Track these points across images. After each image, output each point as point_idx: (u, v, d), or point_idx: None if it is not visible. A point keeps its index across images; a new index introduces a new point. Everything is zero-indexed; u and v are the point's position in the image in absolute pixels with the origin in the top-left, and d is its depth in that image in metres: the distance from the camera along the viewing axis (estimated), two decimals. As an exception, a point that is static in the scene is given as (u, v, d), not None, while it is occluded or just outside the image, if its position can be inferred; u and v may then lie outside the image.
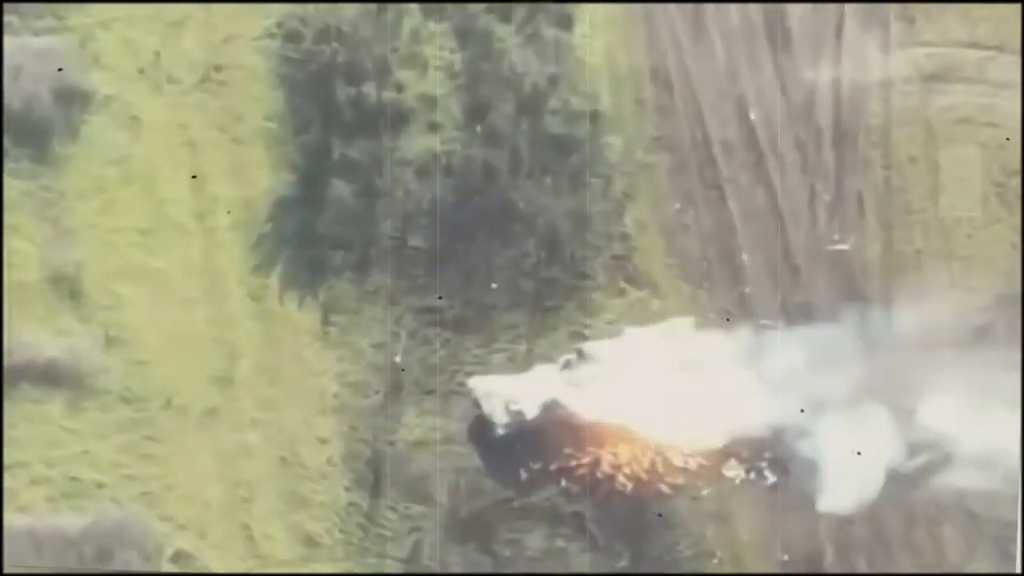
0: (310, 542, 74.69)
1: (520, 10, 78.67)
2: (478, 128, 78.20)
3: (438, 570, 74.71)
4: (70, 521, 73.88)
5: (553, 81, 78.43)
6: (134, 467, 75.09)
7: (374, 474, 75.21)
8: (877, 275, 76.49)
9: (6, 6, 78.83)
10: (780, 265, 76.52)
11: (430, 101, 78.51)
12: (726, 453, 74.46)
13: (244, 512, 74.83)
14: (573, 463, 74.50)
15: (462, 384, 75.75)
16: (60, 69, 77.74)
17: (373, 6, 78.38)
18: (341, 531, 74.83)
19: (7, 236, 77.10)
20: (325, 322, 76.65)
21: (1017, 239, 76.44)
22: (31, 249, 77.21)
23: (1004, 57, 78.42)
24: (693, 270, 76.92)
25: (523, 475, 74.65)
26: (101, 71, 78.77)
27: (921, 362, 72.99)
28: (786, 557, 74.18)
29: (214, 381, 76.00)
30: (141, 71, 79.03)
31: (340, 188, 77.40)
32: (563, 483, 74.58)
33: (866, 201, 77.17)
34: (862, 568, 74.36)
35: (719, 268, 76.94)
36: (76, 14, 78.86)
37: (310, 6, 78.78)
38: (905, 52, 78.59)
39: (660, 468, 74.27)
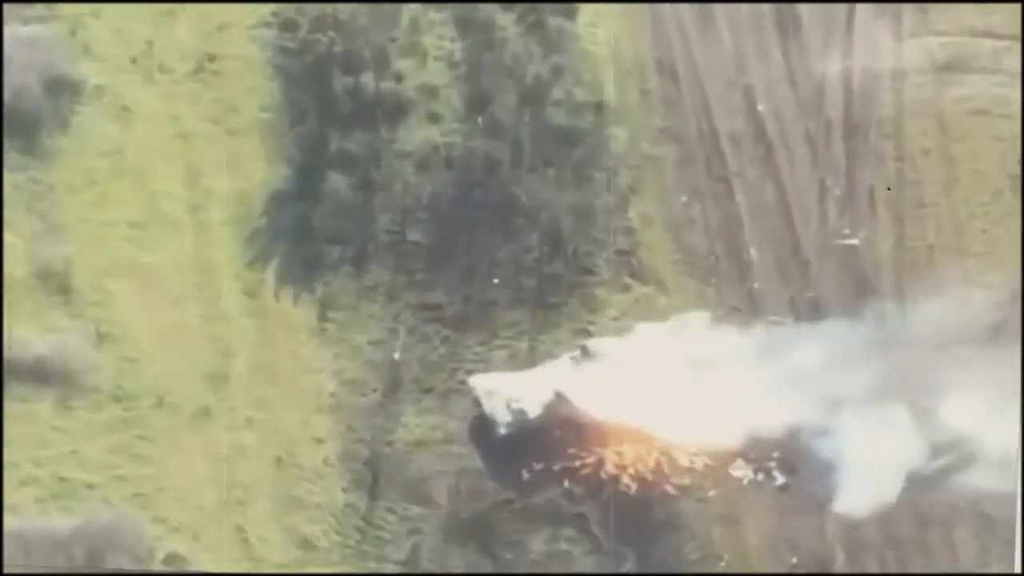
0: (306, 545, 73.93)
1: (522, -2, 79.22)
2: (479, 120, 78.22)
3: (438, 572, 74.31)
4: (59, 523, 73.07)
5: (556, 71, 78.70)
6: (125, 467, 74.39)
7: (372, 475, 74.60)
8: (889, 271, 76.37)
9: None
10: (789, 261, 76.38)
11: (430, 92, 78.71)
12: (733, 453, 74.03)
13: (239, 514, 74.14)
14: (577, 463, 74.04)
15: (462, 382, 75.39)
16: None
17: (372, -5, 79.06)
18: (338, 533, 74.09)
19: (-5, 230, 77.54)
20: (322, 318, 76.29)
21: (1032, 233, 76.67)
22: (19, 243, 76.70)
23: (1020, 47, 78.46)
24: (700, 265, 76.84)
25: (525, 476, 74.11)
26: (92, 60, 78.88)
27: (933, 360, 72.45)
28: (795, 560, 73.48)
29: (207, 379, 75.45)
30: (133, 60, 79.21)
31: (337, 181, 77.36)
32: (566, 484, 74.05)
33: (878, 195, 77.19)
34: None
35: (727, 263, 76.75)
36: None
37: (307, -5, 79.41)
38: (918, 41, 78.94)
39: (666, 468, 73.91)
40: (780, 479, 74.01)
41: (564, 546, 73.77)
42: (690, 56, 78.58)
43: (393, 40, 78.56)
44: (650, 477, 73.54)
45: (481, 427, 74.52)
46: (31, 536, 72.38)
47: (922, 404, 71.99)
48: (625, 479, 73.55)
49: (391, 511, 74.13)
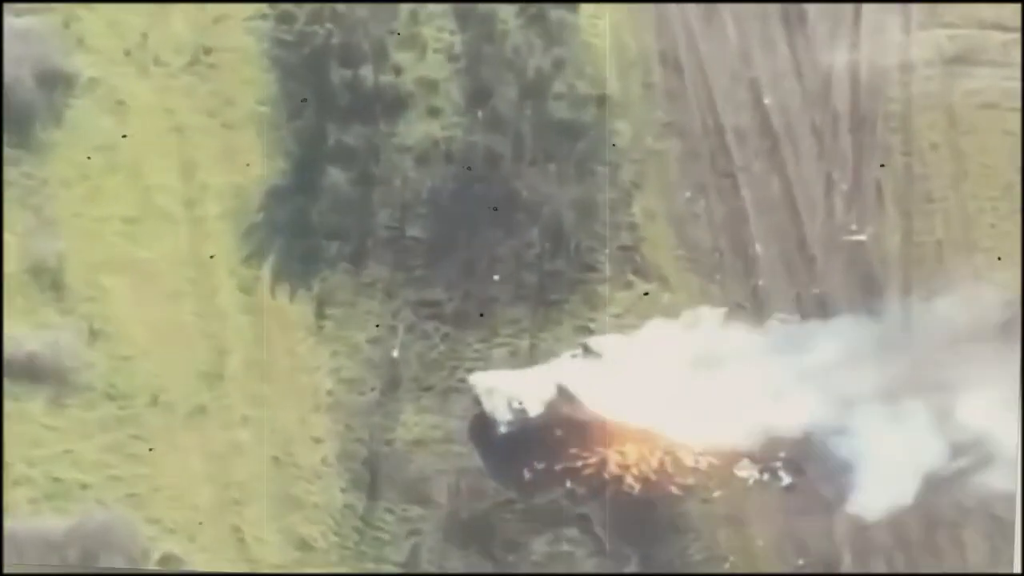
0: (304, 546, 73.78)
1: (523, -11, 79.16)
2: (480, 113, 77.94)
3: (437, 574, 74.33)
4: (53, 523, 73.05)
5: (558, 64, 78.30)
6: (119, 467, 74.23)
7: (371, 475, 74.44)
8: (896, 267, 75.98)
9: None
10: (795, 256, 76.06)
11: (429, 85, 78.30)
12: (739, 453, 73.67)
13: (235, 514, 73.99)
14: (579, 463, 73.81)
15: (462, 380, 75.14)
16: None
17: (370, -15, 78.94)
18: (336, 534, 73.96)
19: (-14, 226, 77.25)
20: (319, 316, 76.01)
21: (1043, 230, 76.48)
22: (12, 239, 76.28)
23: (1020, 42, 77.67)
24: (704, 262, 76.51)
25: (526, 476, 73.92)
26: (85, 53, 78.47)
27: (943, 359, 72.08)
28: (801, 561, 73.32)
29: (203, 377, 75.20)
30: (127, 53, 78.78)
31: (335, 176, 77.14)
32: (568, 484, 73.84)
33: (885, 189, 76.79)
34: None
35: (731, 260, 76.40)
36: (59, -7, 79.15)
37: (304, -15, 79.29)
38: (926, 34, 78.28)
39: (670, 468, 73.69)
40: (786, 479, 73.72)
41: (566, 547, 73.59)
42: (694, 48, 78.17)
43: (392, 32, 78.23)
44: (654, 477, 73.35)
45: (481, 426, 74.26)
46: (24, 537, 72.31)
47: (938, 403, 71.57)
48: (628, 479, 73.36)
49: (390, 511, 73.97)
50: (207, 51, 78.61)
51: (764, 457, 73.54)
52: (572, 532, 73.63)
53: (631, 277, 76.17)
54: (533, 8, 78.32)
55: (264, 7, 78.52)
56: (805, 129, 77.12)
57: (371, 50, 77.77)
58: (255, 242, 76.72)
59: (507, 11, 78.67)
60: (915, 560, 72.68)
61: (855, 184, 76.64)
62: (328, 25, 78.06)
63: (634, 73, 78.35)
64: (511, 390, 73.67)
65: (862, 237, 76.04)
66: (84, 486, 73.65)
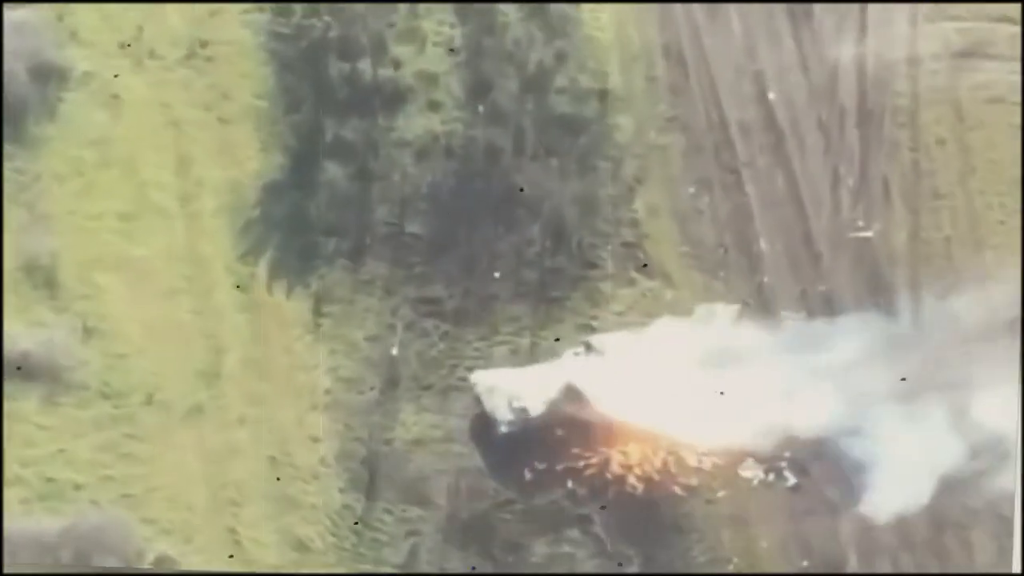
0: (301, 547, 73.35)
1: (524, -19, 79.30)
2: (480, 108, 77.96)
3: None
4: (46, 524, 72.39)
5: (559, 57, 78.40)
6: (114, 467, 73.83)
7: (369, 475, 74.08)
8: (904, 264, 75.91)
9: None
10: (801, 253, 76.01)
11: (429, 78, 78.45)
12: (743, 452, 73.39)
13: (231, 515, 73.53)
14: (581, 463, 73.52)
15: (462, 379, 74.94)
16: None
17: (368, -23, 79.06)
18: (334, 535, 73.54)
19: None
20: (317, 313, 75.84)
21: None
22: (5, 235, 75.89)
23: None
24: (708, 258, 76.44)
25: (527, 476, 73.60)
26: (79, 46, 78.66)
27: (952, 357, 71.99)
28: (806, 563, 72.85)
29: (199, 375, 74.92)
30: (122, 46, 78.91)
31: (333, 171, 77.22)
32: (570, 484, 73.51)
33: (892, 185, 76.84)
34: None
35: (736, 256, 76.35)
36: (54, -16, 79.24)
37: (301, -23, 79.42)
38: (933, 27, 78.57)
39: (673, 468, 73.42)
40: (791, 479, 73.48)
41: (567, 549, 73.30)
42: (698, 42, 78.36)
43: (391, 25, 78.44)
44: (657, 477, 73.13)
45: (482, 425, 74.10)
46: (17, 538, 71.62)
47: (952, 402, 71.39)
48: (631, 480, 73.12)
49: (389, 512, 73.63)
50: (203, 44, 78.74)
51: (769, 457, 73.27)
52: (573, 533, 73.33)
53: (634, 274, 76.12)
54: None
55: (261, -2, 78.97)
56: (811, 124, 77.24)
57: (370, 43, 77.84)
58: (252, 238, 76.65)
59: (508, 3, 78.97)
60: (922, 562, 72.43)
61: (861, 180, 76.65)
62: (326, 18, 78.20)
63: (637, 67, 78.50)
64: (512, 389, 73.47)
65: (869, 233, 75.97)
66: (78, 486, 73.28)
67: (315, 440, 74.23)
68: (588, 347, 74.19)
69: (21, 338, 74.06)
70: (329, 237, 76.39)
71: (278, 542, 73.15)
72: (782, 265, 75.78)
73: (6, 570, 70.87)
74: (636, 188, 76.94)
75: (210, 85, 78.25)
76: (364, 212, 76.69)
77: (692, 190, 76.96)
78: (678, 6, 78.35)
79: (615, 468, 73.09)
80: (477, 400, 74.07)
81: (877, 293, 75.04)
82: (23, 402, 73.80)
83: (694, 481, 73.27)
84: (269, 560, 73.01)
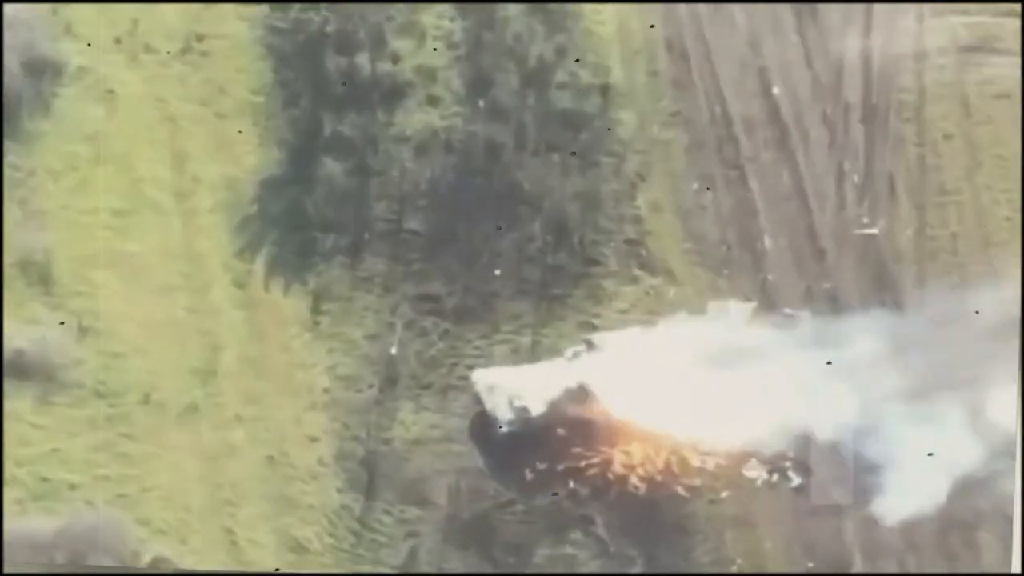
0: (298, 548, 73.32)
1: (525, -25, 79.45)
2: (480, 103, 77.88)
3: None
4: (40, 524, 72.33)
5: (560, 52, 78.27)
6: (109, 467, 73.68)
7: (368, 475, 73.97)
8: (909, 261, 75.82)
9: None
10: (805, 250, 75.89)
11: (428, 73, 78.32)
12: (747, 453, 73.30)
13: (228, 516, 73.50)
14: (582, 463, 73.41)
15: (462, 378, 74.86)
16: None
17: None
18: (332, 536, 73.47)
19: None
20: (315, 311, 75.78)
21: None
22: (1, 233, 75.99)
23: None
24: (712, 255, 76.37)
25: (528, 476, 73.55)
26: (74, 40, 78.53)
27: (951, 357, 71.51)
28: (811, 564, 72.72)
29: (195, 374, 74.85)
30: (117, 40, 78.79)
31: (331, 167, 77.11)
32: (571, 484, 73.39)
33: (898, 181, 76.72)
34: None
35: (740, 253, 76.26)
36: (48, -22, 79.18)
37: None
38: (940, 21, 78.43)
39: (676, 469, 73.32)
40: (795, 480, 73.38)
41: (569, 549, 73.31)
42: (701, 36, 78.32)
43: (390, 19, 78.38)
44: (660, 478, 73.09)
45: (482, 425, 74.09)
46: (11, 539, 71.51)
47: (965, 402, 71.30)
48: (633, 480, 73.07)
49: (388, 512, 73.59)
50: (199, 38, 78.72)
51: (772, 457, 73.14)
52: (575, 534, 73.28)
53: (637, 271, 76.08)
54: (535, -5, 78.78)
55: (259, -8, 79.06)
56: (816, 119, 77.20)
57: (368, 37, 77.77)
58: (249, 235, 76.61)
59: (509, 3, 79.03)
60: (927, 563, 72.46)
61: (867, 176, 76.63)
62: (323, 12, 78.12)
63: (639, 61, 78.47)
64: (512, 388, 73.39)
65: (874, 230, 75.92)
66: (73, 486, 73.20)
67: (313, 439, 74.20)
68: (590, 345, 74.09)
69: (15, 336, 74.00)
70: (327, 234, 76.32)
71: (275, 543, 73.15)
72: (786, 262, 75.71)
73: (5, 570, 70.90)
74: (639, 184, 76.95)
75: (206, 80, 78.27)
76: (362, 208, 76.63)
77: (695, 186, 76.92)
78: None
79: (617, 468, 73.02)
80: (477, 399, 74.00)
81: (883, 290, 74.99)
82: (18, 401, 73.67)
83: (697, 481, 73.20)
84: (266, 561, 72.94)
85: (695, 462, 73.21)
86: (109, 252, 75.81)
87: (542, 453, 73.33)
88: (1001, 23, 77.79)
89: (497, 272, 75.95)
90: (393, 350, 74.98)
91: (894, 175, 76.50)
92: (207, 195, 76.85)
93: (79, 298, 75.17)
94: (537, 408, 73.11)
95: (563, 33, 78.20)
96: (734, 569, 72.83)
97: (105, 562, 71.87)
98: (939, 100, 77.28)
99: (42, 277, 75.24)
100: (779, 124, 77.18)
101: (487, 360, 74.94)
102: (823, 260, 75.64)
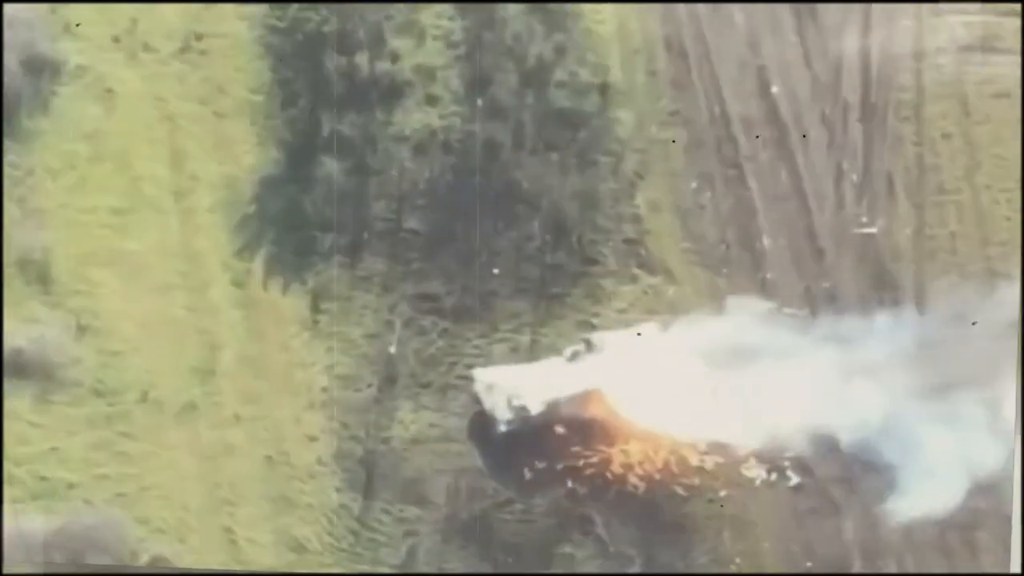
0: (298, 547, 72.97)
1: (525, -26, 79.37)
2: (479, 102, 77.78)
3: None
4: (39, 523, 71.83)
5: (559, 51, 78.29)
6: (107, 466, 73.41)
7: (367, 474, 73.70)
8: (908, 260, 75.77)
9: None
10: (804, 249, 75.86)
11: (427, 72, 78.31)
12: (746, 452, 73.09)
13: (226, 515, 73.19)
14: (581, 462, 73.13)
15: (461, 377, 74.65)
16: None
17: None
18: (331, 535, 73.17)
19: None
20: (314, 310, 75.59)
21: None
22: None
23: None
24: (710, 254, 76.29)
25: (527, 475, 73.23)
26: (73, 39, 78.46)
27: (953, 356, 71.77)
28: (810, 564, 72.43)
29: (194, 373, 74.63)
30: (116, 39, 78.76)
31: (330, 166, 77.06)
32: (570, 484, 73.10)
33: (896, 181, 76.74)
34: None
35: (738, 252, 76.20)
36: (47, -24, 79.11)
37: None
38: (939, 20, 78.51)
39: (675, 468, 73.04)
40: (794, 479, 73.14)
41: (567, 549, 72.95)
42: (700, 35, 78.34)
43: (389, 18, 78.35)
44: (658, 477, 72.85)
45: (481, 424, 73.79)
46: (8, 538, 71.06)
47: (988, 402, 71.36)
48: (632, 479, 72.77)
49: (386, 512, 73.29)
50: (198, 37, 78.65)
51: (772, 456, 72.99)
52: (574, 533, 72.97)
53: (635, 270, 75.93)
54: (535, -7, 78.74)
55: (259, -9, 79.05)
56: (814, 118, 77.20)
57: (367, 36, 77.70)
58: (247, 234, 76.44)
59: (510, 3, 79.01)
60: (927, 563, 72.17)
61: (865, 175, 76.58)
62: (323, 11, 78.00)
63: (638, 60, 78.44)
64: (512, 387, 73.10)
65: (873, 229, 75.82)
66: (71, 485, 72.89)
67: (312, 439, 73.95)
68: (589, 344, 73.85)
69: (14, 335, 73.70)
70: (326, 233, 76.16)
71: (274, 542, 72.81)
72: (785, 261, 75.61)
73: (5, 570, 70.66)
74: (637, 183, 76.84)
75: (205, 79, 78.15)
76: (361, 208, 76.49)
77: (694, 185, 76.86)
78: (680, -1, 78.41)
79: (616, 467, 72.80)
80: (476, 398, 73.75)
81: (881, 290, 74.90)
82: (16, 400, 73.39)
83: (696, 481, 72.96)
84: (265, 561, 72.66)
85: (694, 461, 72.94)
86: (108, 251, 75.68)
87: (541, 452, 73.04)
88: (1001, 22, 77.83)
89: (496, 271, 75.81)
90: (392, 349, 74.79)
91: (893, 174, 76.43)
92: (206, 194, 76.67)
93: (78, 297, 74.98)
94: (536, 407, 72.78)
95: (562, 32, 78.16)
96: (732, 569, 72.54)
97: (104, 561, 71.53)
98: (938, 99, 77.27)
99: (41, 276, 75.06)
100: (778, 123, 77.19)
101: (486, 359, 74.73)
102: (822, 259, 75.56)
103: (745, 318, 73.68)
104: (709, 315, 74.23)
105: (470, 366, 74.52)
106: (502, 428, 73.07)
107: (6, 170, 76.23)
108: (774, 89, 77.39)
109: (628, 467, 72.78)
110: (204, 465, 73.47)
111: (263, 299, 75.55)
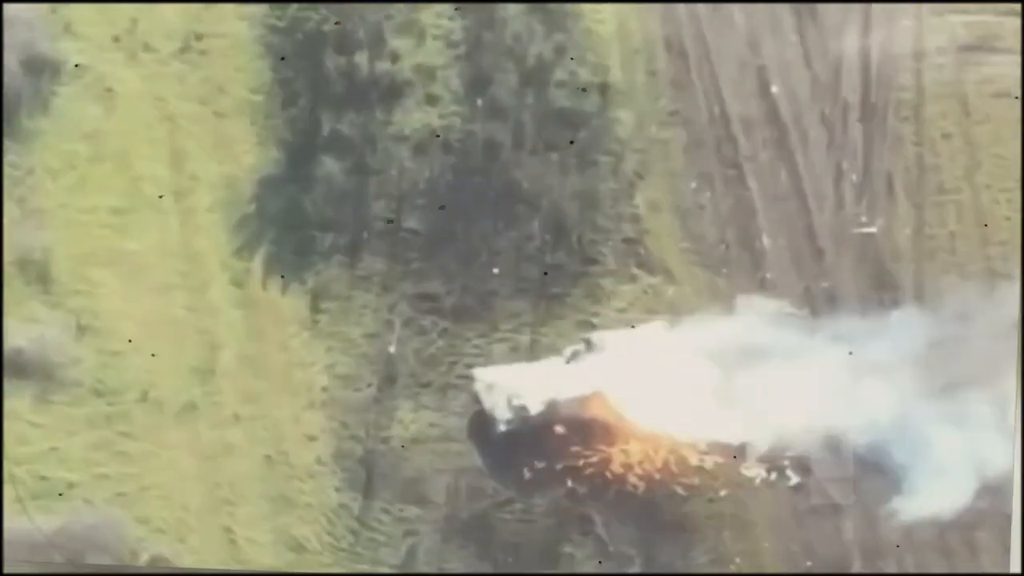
0: (297, 547, 72.82)
1: (525, -26, 79.26)
2: (479, 101, 77.74)
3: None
4: (39, 523, 71.65)
5: (559, 51, 78.22)
6: (107, 465, 73.24)
7: (366, 474, 73.53)
8: (908, 260, 75.67)
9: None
10: (804, 249, 75.72)
11: (427, 72, 78.25)
12: (745, 451, 73.08)
13: (226, 515, 73.01)
14: (581, 462, 72.98)
15: (461, 377, 74.51)
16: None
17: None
18: (331, 535, 73.01)
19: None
20: (313, 309, 75.47)
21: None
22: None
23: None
24: (710, 254, 76.16)
25: (527, 475, 73.07)
26: (73, 39, 78.43)
27: (953, 356, 71.57)
28: (810, 563, 72.25)
29: (193, 373, 74.47)
30: (116, 39, 78.72)
31: (330, 165, 76.95)
32: (570, 483, 72.94)
33: (896, 180, 76.65)
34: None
35: (738, 252, 76.07)
36: (47, -24, 79.03)
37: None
38: (939, 20, 78.47)
39: (674, 467, 72.90)
40: (794, 479, 73.00)
41: (567, 549, 72.74)
42: (700, 35, 78.31)
43: (389, 18, 78.31)
44: (658, 476, 72.68)
45: (481, 424, 73.63)
46: (8, 536, 70.95)
47: (994, 401, 71.15)
48: (632, 478, 72.60)
49: (386, 512, 73.13)
50: (198, 37, 78.58)
51: (771, 456, 72.80)
52: (574, 533, 72.78)
53: (635, 270, 75.78)
54: (535, -8, 78.64)
55: (259, -9, 78.96)
56: (814, 118, 77.11)
57: (367, 36, 77.63)
58: (247, 234, 76.32)
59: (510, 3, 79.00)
60: (927, 563, 71.99)
61: (865, 175, 76.47)
62: (323, 10, 77.96)
63: (638, 60, 78.37)
64: (511, 387, 72.97)
65: (872, 229, 75.69)
66: (71, 485, 72.71)
67: (311, 438, 73.80)
68: (588, 344, 73.75)
69: (14, 335, 73.57)
70: (325, 233, 76.07)
71: (274, 542, 72.62)
72: (785, 261, 75.47)
73: (6, 570, 70.52)
74: (637, 183, 76.75)
75: (205, 79, 78.08)
76: (361, 207, 76.38)
77: (694, 185, 76.75)
78: (679, -2, 78.27)
79: (616, 467, 72.63)
80: (476, 398, 73.61)
81: (881, 290, 74.79)
82: (16, 399, 73.22)
83: (696, 480, 72.82)
84: (264, 560, 72.47)
85: (693, 461, 72.80)
86: (108, 250, 75.57)
87: (541, 452, 72.90)
88: (1001, 22, 77.75)
89: (496, 271, 75.69)
90: (392, 349, 74.64)
91: (892, 174, 76.34)
92: (206, 194, 76.56)
93: (78, 296, 74.84)
94: (536, 407, 72.65)
95: (562, 32, 78.12)
96: (732, 568, 72.36)
97: (104, 561, 71.38)
98: (938, 99, 77.20)
99: (41, 275, 74.92)
100: (778, 123, 77.09)
101: (486, 359, 74.61)
102: (822, 259, 75.43)
103: (752, 318, 73.48)
104: (716, 315, 74.03)
105: (470, 366, 74.35)
106: (502, 428, 72.89)
107: (6, 170, 76.13)
108: (774, 89, 77.32)
109: (628, 467, 72.63)
110: (204, 465, 73.24)
111: (263, 299, 75.38)
